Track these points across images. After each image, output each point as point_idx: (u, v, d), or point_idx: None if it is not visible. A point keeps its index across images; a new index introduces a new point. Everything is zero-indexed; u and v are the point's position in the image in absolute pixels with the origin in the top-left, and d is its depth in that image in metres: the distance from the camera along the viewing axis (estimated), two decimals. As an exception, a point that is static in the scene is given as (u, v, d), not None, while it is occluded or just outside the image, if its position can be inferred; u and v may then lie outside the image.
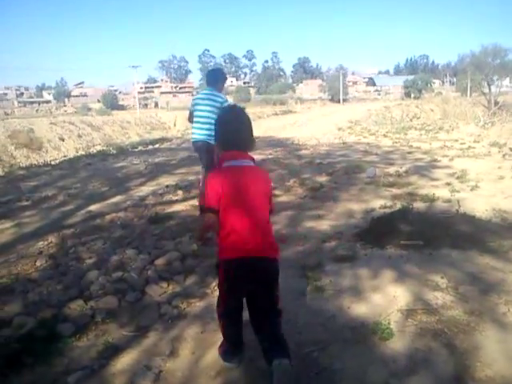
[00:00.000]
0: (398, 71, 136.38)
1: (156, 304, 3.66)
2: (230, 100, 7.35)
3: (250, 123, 2.63)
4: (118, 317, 3.47)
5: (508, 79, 47.33)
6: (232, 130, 2.56)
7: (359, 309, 3.38)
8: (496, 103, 26.20)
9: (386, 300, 3.49)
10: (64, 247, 5.09)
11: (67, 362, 2.93)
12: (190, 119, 6.09)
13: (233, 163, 2.51)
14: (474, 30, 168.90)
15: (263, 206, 2.53)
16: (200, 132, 5.82)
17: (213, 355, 2.90)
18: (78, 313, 3.51)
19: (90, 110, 66.35)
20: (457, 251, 4.34)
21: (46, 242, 5.29)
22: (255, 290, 2.58)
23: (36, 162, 15.47)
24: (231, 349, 2.80)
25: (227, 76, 6.67)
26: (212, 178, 2.57)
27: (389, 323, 3.12)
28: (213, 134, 5.27)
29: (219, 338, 3.06)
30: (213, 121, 5.61)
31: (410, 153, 11.36)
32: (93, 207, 6.84)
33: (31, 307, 3.62)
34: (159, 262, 4.46)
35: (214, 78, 6.12)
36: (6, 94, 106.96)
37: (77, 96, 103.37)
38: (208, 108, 5.75)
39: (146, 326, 3.32)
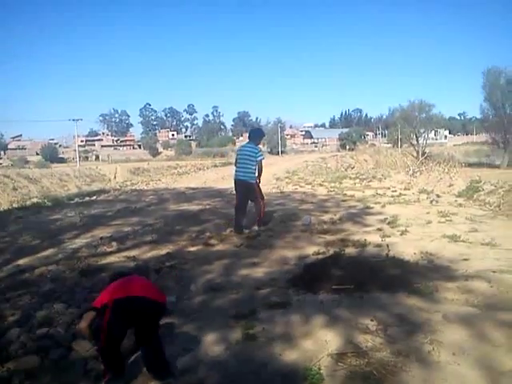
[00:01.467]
0: (333, 124, 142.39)
1: (83, 360, 3.50)
2: (263, 150, 8.75)
3: None
4: (39, 377, 3.27)
5: (433, 132, 50.51)
6: None
7: (291, 355, 3.38)
8: (423, 154, 27.80)
9: (317, 345, 3.51)
10: (-15, 305, 4.79)
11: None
12: (236, 163, 8.21)
13: None
14: (403, 86, 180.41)
15: None
16: (240, 173, 7.98)
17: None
18: (-9, 377, 3.26)
19: (27, 162, 64.46)
20: (386, 294, 4.47)
21: (-36, 300, 4.95)
22: None
23: (-39, 217, 14.62)
24: None
25: (265, 134, 8.93)
26: None
27: (319, 368, 3.13)
28: (251, 175, 7.79)
29: (146, 392, 2.96)
30: (251, 166, 7.86)
31: (344, 201, 11.70)
32: (21, 261, 6.51)
33: None
34: (88, 315, 4.29)
35: (254, 135, 8.31)
36: None
37: (14, 149, 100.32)
38: (248, 157, 7.93)
39: (70, 384, 3.15)
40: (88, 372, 3.33)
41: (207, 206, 11.50)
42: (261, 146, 8.39)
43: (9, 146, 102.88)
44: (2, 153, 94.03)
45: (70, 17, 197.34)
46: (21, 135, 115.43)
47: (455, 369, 3.07)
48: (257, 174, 8.02)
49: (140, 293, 3.12)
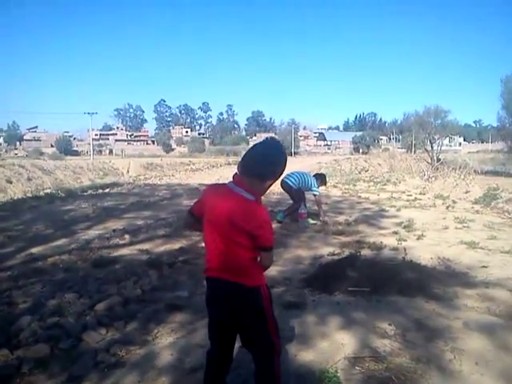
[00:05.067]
0: (347, 127, 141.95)
1: (93, 351, 3.42)
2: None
3: (269, 159, 2.34)
4: (49, 366, 3.20)
5: (448, 139, 49.82)
6: (249, 155, 2.37)
7: (306, 356, 3.28)
8: (438, 160, 27.50)
9: (333, 347, 3.41)
10: (-4, 291, 4.75)
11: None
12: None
13: (228, 184, 2.38)
14: (419, 91, 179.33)
15: (231, 234, 2.28)
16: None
17: (150, 406, 2.70)
18: (0, 363, 3.20)
19: (42, 154, 64.88)
20: (403, 298, 4.36)
21: (-24, 286, 4.92)
22: (227, 320, 2.45)
23: (-23, 205, 14.69)
24: None
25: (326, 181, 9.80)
26: (206, 188, 2.55)
27: (336, 371, 3.04)
28: (297, 184, 8.62)
29: (158, 387, 2.88)
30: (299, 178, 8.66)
31: (358, 203, 11.57)
32: (34, 250, 6.48)
33: None
34: (100, 306, 4.23)
35: (321, 177, 9.33)
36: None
37: (29, 140, 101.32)
38: (305, 180, 8.69)
39: (80, 375, 3.08)
40: (98, 364, 3.25)
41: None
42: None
43: (24, 137, 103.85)
44: (18, 143, 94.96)
45: (85, 12, 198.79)
46: (36, 127, 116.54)
47: (478, 379, 2.95)
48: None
49: (219, 270, 2.41)
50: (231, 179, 2.37)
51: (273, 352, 2.46)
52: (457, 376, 2.99)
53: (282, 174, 2.42)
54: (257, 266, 2.39)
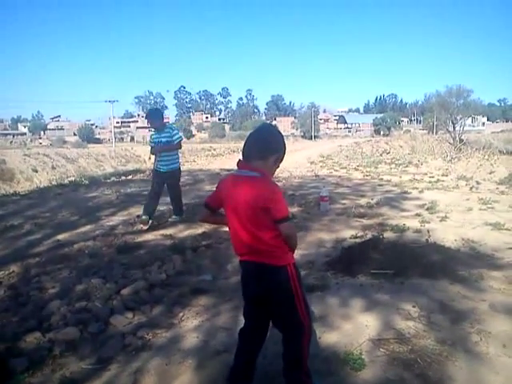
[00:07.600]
0: (367, 109, 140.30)
1: (120, 335, 3.50)
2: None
3: (268, 140, 2.53)
4: (79, 349, 3.29)
5: (470, 119, 48.72)
6: (245, 142, 2.55)
7: (330, 338, 3.29)
8: (461, 140, 27.00)
9: (357, 329, 3.42)
10: (26, 277, 4.89)
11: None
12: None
13: (235, 172, 2.52)
14: (440, 71, 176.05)
15: (248, 216, 2.37)
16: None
17: (177, 388, 2.76)
18: (34, 346, 3.30)
19: (65, 142, 66.01)
20: (427, 280, 4.32)
21: (7, 272, 5.06)
22: (261, 301, 2.52)
23: (5, 193, 15.02)
24: (229, 375, 2.69)
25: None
26: (219, 181, 2.65)
27: (360, 353, 3.04)
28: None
29: (185, 370, 2.94)
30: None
31: (380, 185, 11.49)
32: (61, 236, 6.63)
33: (-20, 342, 3.37)
34: (126, 291, 4.32)
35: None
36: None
37: (53, 129, 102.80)
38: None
39: (108, 358, 3.15)
40: (126, 347, 3.33)
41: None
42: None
43: (48, 127, 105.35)
44: (42, 133, 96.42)
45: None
46: (59, 116, 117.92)
47: (506, 362, 2.91)
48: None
49: (246, 253, 2.52)
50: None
51: (302, 333, 2.49)
52: (483, 358, 2.96)
53: (282, 150, 2.54)
54: (282, 246, 2.42)
